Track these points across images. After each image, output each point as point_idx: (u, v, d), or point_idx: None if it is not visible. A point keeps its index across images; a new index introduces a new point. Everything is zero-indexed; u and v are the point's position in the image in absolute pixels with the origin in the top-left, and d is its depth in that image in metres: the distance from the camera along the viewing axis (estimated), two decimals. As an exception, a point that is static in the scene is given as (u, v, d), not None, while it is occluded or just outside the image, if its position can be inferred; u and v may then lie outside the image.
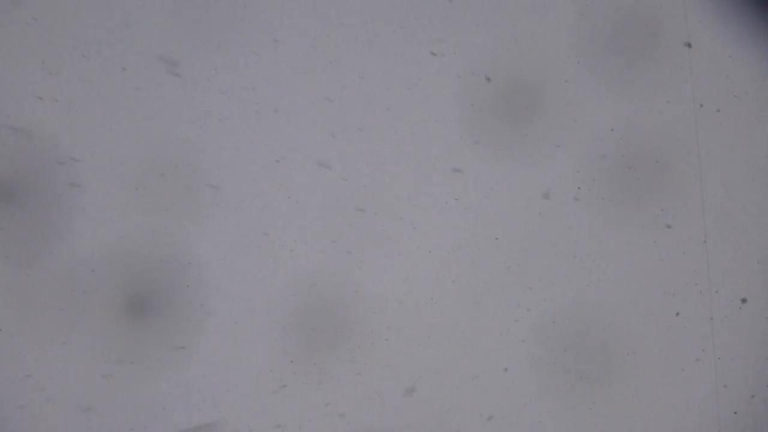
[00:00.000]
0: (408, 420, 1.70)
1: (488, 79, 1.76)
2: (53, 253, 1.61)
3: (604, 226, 1.78)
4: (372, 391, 1.69)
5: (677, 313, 1.78)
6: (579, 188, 1.77)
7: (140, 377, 1.63)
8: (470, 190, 1.74)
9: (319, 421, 1.68)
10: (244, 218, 1.67)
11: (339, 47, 1.72)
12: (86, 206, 1.62)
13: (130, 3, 1.67)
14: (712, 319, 1.79)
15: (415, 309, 1.71)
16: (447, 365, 1.72)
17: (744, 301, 1.80)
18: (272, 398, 1.67)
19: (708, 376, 1.78)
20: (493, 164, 1.76)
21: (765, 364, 1.80)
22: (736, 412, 1.79)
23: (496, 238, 1.74)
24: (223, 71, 1.68)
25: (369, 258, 1.70)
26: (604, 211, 1.78)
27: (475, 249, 1.74)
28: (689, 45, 1.82)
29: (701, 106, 1.81)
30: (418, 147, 1.74)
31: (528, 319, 1.74)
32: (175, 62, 1.66)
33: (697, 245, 1.79)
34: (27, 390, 1.59)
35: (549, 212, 1.76)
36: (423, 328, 1.71)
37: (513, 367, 1.74)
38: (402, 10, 1.75)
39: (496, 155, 1.76)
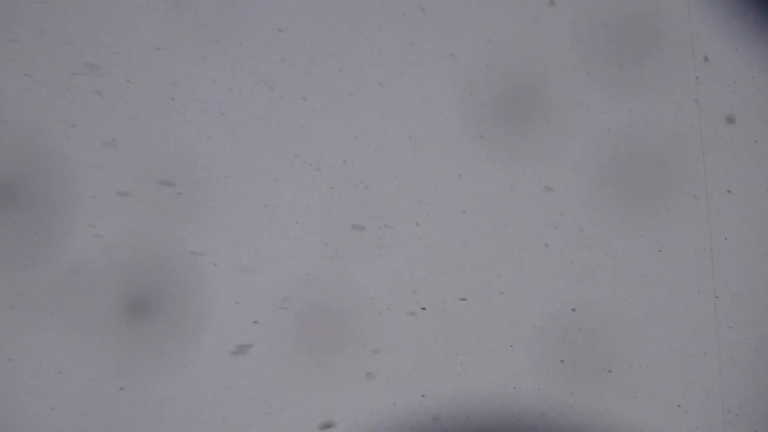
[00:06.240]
0: (417, 422, 1.71)
1: (489, 79, 1.77)
2: (52, 254, 1.61)
3: (606, 226, 1.79)
4: (379, 400, 1.70)
5: (680, 312, 1.79)
6: (580, 188, 1.78)
7: (139, 380, 1.63)
8: (470, 191, 1.75)
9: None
10: (244, 219, 1.67)
11: (338, 48, 1.72)
12: (86, 208, 1.62)
13: (132, 7, 1.67)
14: (717, 319, 1.80)
15: (413, 312, 1.72)
16: (451, 368, 1.72)
17: (748, 299, 1.81)
18: (273, 400, 1.67)
19: (712, 374, 1.79)
20: (494, 165, 1.76)
21: (766, 363, 1.82)
22: (738, 413, 1.80)
23: (505, 234, 1.75)
24: (222, 80, 1.68)
25: (369, 260, 1.71)
26: (607, 211, 1.79)
27: (476, 249, 1.74)
28: (692, 42, 1.83)
29: (699, 104, 1.82)
30: (418, 147, 1.74)
31: (528, 319, 1.75)
32: (176, 65, 1.66)
33: (702, 245, 1.81)
34: (26, 390, 1.59)
35: (549, 212, 1.77)
36: (425, 333, 1.72)
37: (515, 370, 1.74)
38: (405, 14, 1.75)
39: (496, 156, 1.77)
